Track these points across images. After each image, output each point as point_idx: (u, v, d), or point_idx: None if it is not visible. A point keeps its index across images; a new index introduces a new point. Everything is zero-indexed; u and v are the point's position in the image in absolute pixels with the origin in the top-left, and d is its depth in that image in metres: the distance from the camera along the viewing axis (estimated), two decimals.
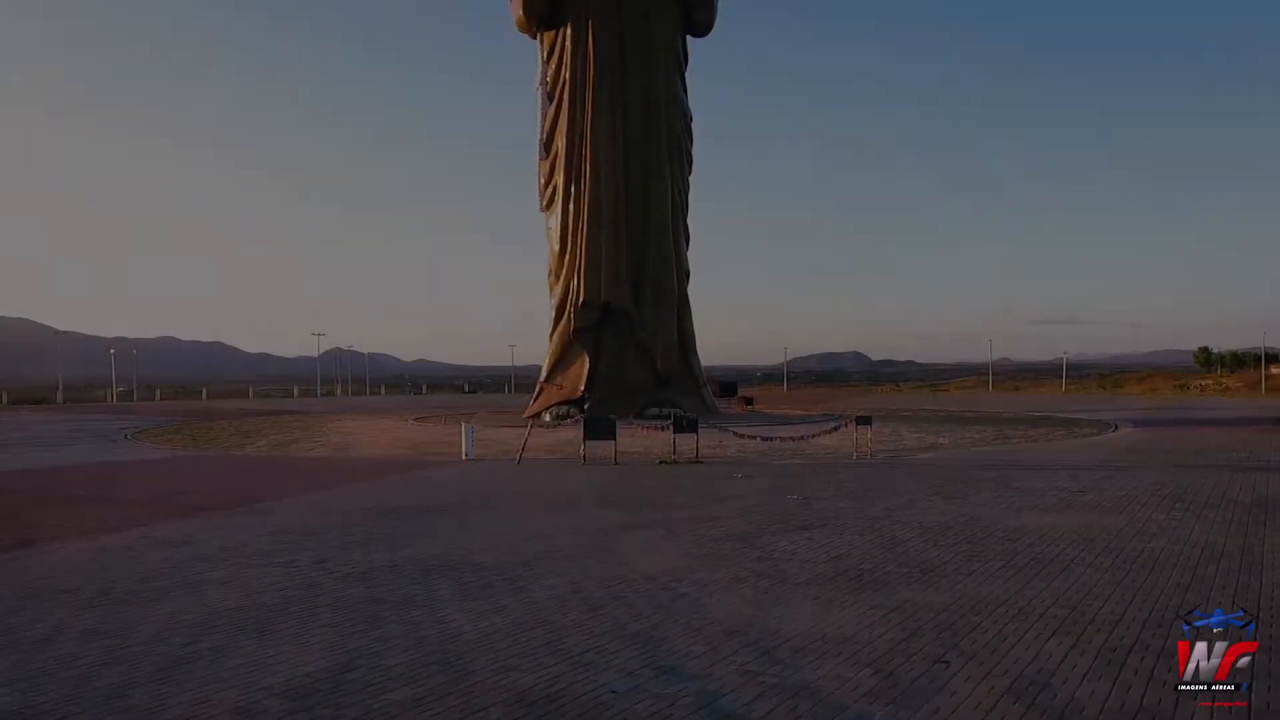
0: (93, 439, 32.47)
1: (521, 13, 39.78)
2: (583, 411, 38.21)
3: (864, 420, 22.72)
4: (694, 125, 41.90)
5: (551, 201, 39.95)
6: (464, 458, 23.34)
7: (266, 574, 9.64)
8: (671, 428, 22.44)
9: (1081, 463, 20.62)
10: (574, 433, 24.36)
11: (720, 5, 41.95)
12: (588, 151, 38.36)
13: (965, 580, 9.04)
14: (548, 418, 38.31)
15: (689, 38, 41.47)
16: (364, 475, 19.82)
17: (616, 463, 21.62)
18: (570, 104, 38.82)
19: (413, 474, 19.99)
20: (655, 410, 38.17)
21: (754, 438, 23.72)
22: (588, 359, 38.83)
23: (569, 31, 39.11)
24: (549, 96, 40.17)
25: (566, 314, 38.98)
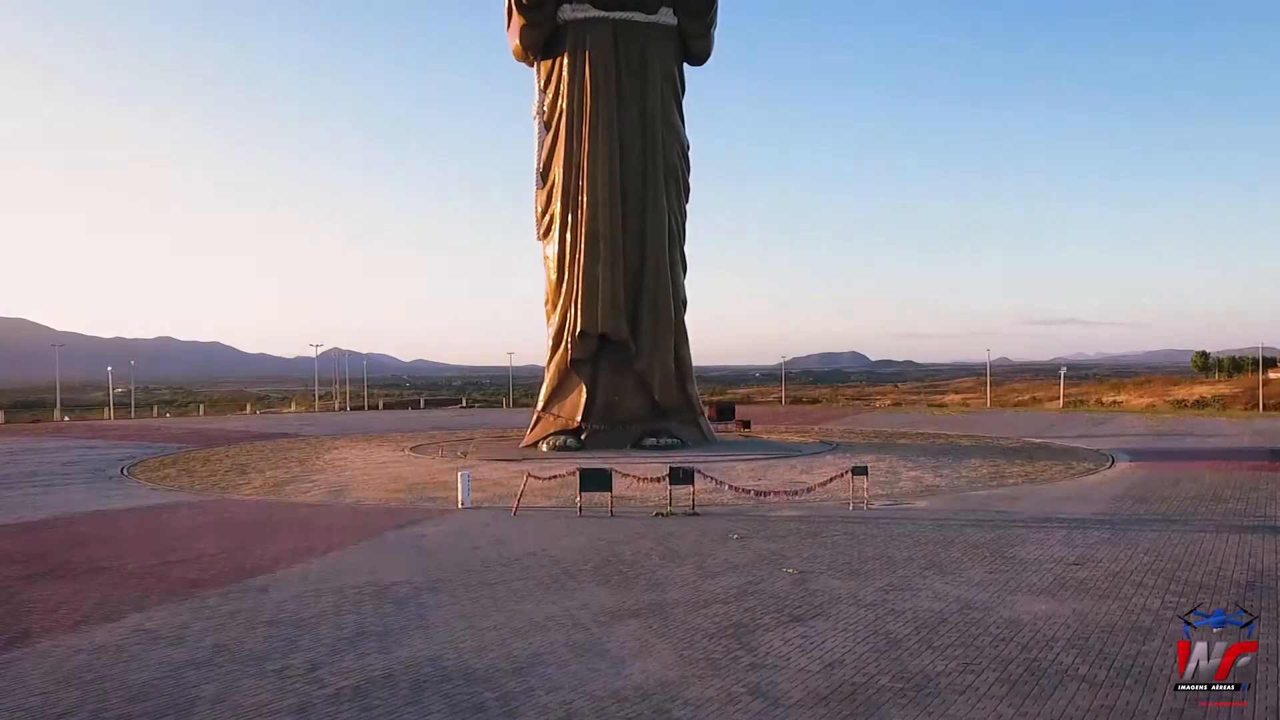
0: (89, 475, 32.42)
1: (519, 42, 39.80)
2: (580, 442, 38.26)
3: (859, 470, 22.73)
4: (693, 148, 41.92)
5: (549, 231, 39.95)
6: (460, 506, 23.36)
7: (258, 688, 9.62)
8: (668, 480, 22.42)
9: (1077, 516, 20.60)
10: (571, 471, 24.36)
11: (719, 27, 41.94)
12: (584, 182, 38.35)
13: (958, 700, 9.04)
14: (545, 448, 38.36)
15: (686, 65, 41.44)
16: (359, 532, 19.79)
17: (613, 514, 21.68)
18: (567, 133, 38.80)
19: (408, 530, 19.95)
20: (653, 441, 38.24)
21: (749, 491, 23.65)
22: (585, 389, 38.80)
23: (566, 61, 39.10)
24: (546, 125, 40.19)
25: (564, 344, 38.94)
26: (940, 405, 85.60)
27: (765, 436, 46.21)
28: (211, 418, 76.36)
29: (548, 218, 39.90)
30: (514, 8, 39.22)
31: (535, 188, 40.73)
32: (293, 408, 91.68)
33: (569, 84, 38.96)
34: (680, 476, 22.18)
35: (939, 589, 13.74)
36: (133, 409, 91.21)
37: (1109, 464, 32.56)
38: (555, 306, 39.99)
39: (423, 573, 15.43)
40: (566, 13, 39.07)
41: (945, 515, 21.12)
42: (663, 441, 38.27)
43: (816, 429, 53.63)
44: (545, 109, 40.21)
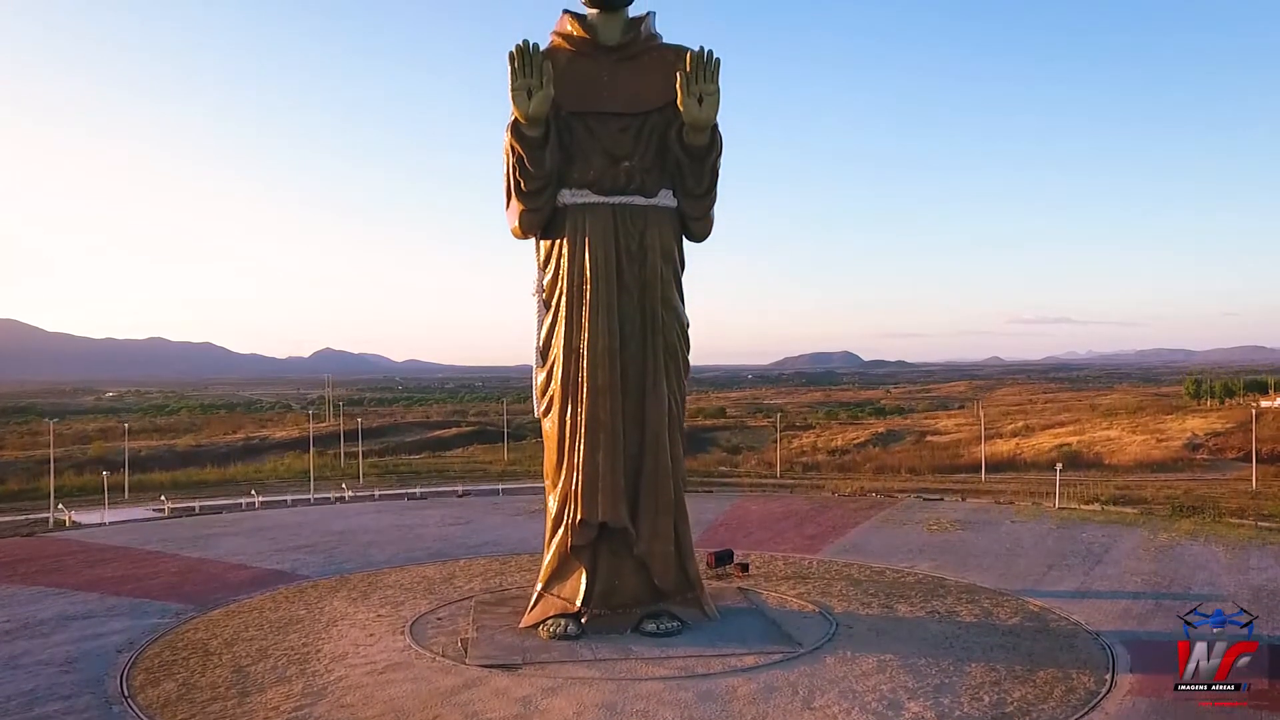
0: (90, 699, 32.40)
1: (518, 225, 39.91)
2: (580, 627, 38.34)
3: None
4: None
5: (549, 410, 40.09)
6: None
7: None
8: None
9: None
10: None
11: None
12: (584, 370, 38.45)
13: None
14: (544, 634, 38.43)
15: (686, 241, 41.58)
16: None
17: None
18: (566, 317, 38.95)
19: None
20: (653, 626, 38.48)
21: None
22: (585, 573, 39.00)
23: (565, 244, 39.22)
24: (545, 304, 40.36)
25: (564, 526, 39.12)
26: (935, 494, 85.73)
27: (764, 593, 46.26)
28: (209, 525, 75.38)
29: (547, 398, 40.05)
30: (513, 194, 39.33)
31: (535, 366, 40.93)
32: (288, 498, 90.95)
33: (569, 267, 39.09)
34: None
35: None
36: (126, 473, 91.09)
37: (1109, 681, 32.59)
38: (555, 484, 40.18)
39: None
40: (566, 198, 39.21)
41: None
42: (663, 626, 38.47)
43: (816, 563, 53.93)
44: (544, 288, 40.39)
